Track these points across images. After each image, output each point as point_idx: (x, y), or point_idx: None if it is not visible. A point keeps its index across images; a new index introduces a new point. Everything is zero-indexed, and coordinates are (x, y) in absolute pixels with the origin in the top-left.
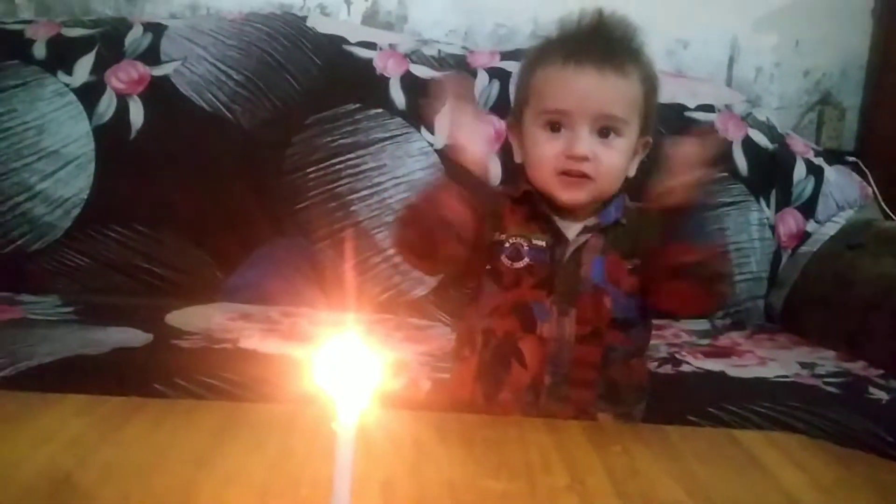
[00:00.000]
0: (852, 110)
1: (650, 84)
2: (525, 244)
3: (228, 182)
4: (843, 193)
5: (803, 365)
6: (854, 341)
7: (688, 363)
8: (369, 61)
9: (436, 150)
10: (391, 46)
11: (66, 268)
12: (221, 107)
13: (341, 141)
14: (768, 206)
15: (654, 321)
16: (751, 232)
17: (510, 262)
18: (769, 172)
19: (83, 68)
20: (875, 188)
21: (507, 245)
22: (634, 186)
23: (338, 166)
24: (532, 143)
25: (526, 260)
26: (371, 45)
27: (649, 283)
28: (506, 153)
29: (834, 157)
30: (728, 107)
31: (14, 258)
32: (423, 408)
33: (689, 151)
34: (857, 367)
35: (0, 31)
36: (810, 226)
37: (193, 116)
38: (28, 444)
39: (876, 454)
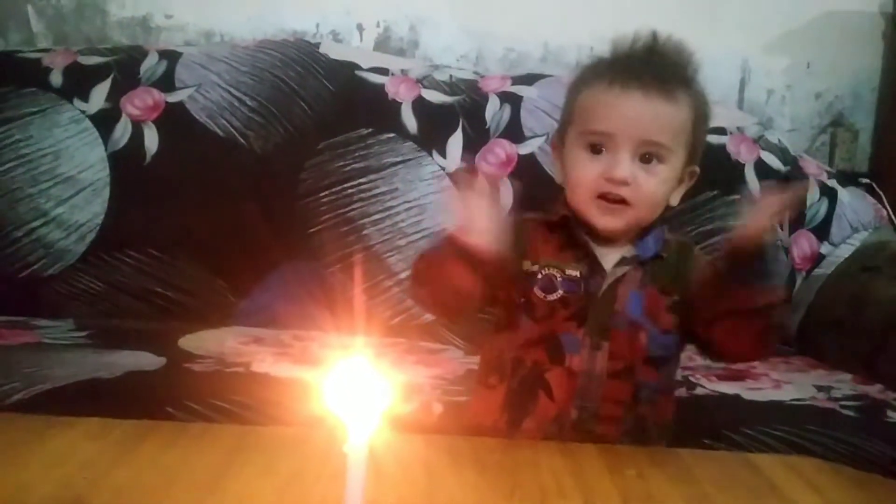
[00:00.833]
0: (865, 132)
1: (700, 112)
2: (558, 275)
3: (241, 207)
4: (857, 215)
5: (819, 388)
6: (871, 364)
7: (702, 386)
8: (381, 86)
9: (447, 174)
10: (403, 72)
11: (81, 292)
12: (235, 132)
13: (353, 165)
14: (782, 228)
15: None
16: None
17: (543, 293)
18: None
19: (99, 95)
20: (889, 209)
21: (539, 276)
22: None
23: (350, 190)
24: (572, 165)
25: (560, 292)
26: (383, 71)
27: (703, 323)
28: (516, 177)
29: (847, 178)
30: (740, 129)
31: (29, 283)
32: (435, 431)
33: (774, 200)
34: (875, 390)
35: (18, 60)
36: (824, 248)
37: (207, 142)
38: (41, 466)
39: (893, 477)
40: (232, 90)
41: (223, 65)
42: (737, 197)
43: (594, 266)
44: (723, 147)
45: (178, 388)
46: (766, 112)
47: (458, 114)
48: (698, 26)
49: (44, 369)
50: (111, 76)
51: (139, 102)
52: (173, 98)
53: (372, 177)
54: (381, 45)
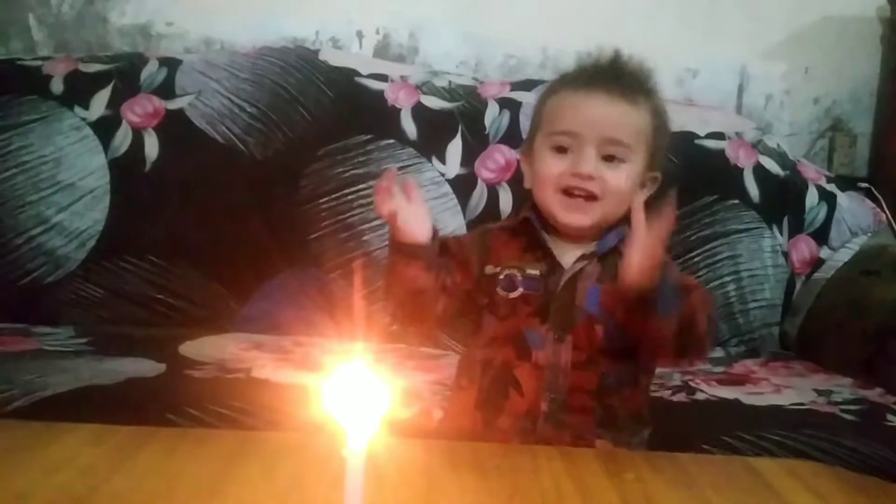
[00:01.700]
0: (863, 136)
1: (660, 120)
2: (519, 274)
3: (242, 213)
4: (857, 219)
5: (819, 392)
6: (871, 368)
7: (702, 391)
8: (381, 93)
9: (447, 180)
10: (402, 78)
11: (81, 299)
12: (235, 139)
13: (353, 171)
14: (781, 232)
15: None
16: (764, 259)
17: (505, 292)
18: (781, 199)
19: (99, 103)
20: (888, 213)
21: (501, 277)
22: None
23: (350, 197)
24: (539, 166)
25: (520, 290)
26: (382, 77)
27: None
28: (516, 183)
29: (846, 183)
30: (738, 134)
31: (30, 290)
32: (434, 436)
33: (655, 231)
34: (874, 394)
35: (19, 68)
36: (824, 252)
37: (207, 149)
38: (41, 472)
39: (893, 481)
40: (232, 97)
41: (223, 72)
42: (735, 201)
43: (553, 264)
44: (721, 152)
45: (178, 395)
46: (765, 117)
47: (457, 120)
48: (697, 32)
49: (44, 376)
50: (112, 83)
51: (139, 109)
52: (173, 105)
53: (371, 183)
54: (381, 51)
